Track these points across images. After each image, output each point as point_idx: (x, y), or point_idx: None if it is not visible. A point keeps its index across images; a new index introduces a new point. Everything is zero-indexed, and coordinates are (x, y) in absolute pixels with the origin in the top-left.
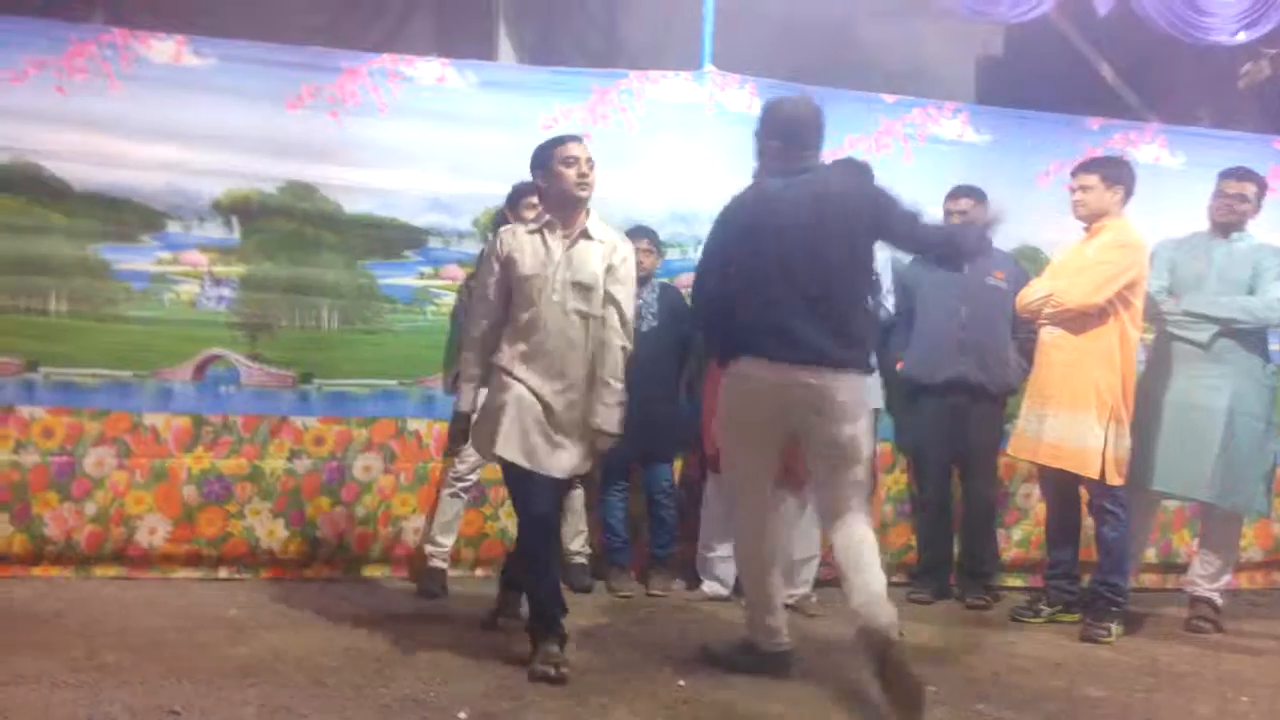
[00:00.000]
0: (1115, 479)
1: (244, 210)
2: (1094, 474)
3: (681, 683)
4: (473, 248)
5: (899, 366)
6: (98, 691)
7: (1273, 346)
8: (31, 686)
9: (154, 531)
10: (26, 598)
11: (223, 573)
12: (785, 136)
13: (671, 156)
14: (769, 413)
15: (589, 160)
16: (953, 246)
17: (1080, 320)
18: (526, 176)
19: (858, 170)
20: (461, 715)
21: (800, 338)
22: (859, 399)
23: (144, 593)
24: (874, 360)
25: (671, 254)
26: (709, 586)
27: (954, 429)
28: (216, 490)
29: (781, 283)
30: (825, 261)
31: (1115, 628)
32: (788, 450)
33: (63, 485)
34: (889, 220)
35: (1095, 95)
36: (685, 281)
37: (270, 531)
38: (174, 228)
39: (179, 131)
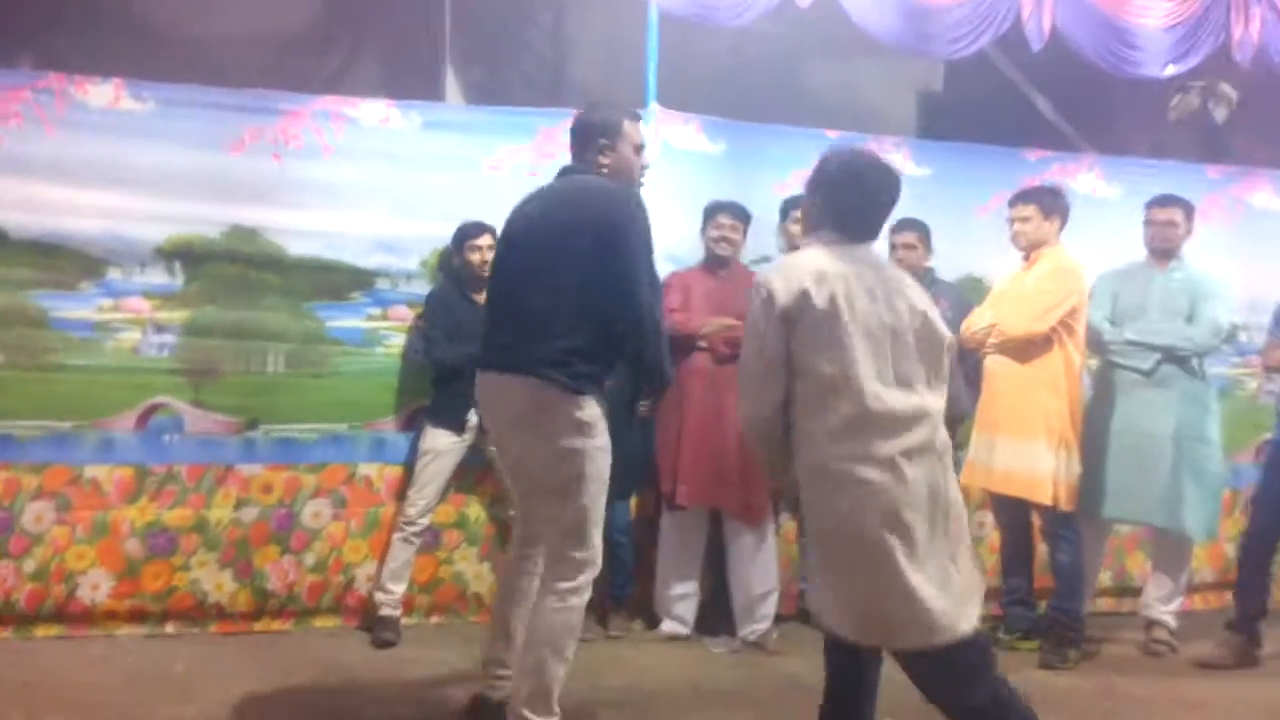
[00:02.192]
0: (1066, 504)
1: (186, 255)
2: (1046, 499)
3: None
4: (421, 288)
5: None
6: None
7: (1214, 370)
8: None
9: (96, 587)
10: None
11: (169, 628)
12: (570, 138)
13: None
14: (491, 427)
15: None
16: (651, 350)
17: (1025, 348)
18: (473, 216)
19: (617, 196)
20: None
21: (502, 343)
22: (549, 416)
23: (87, 652)
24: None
25: None
26: (668, 626)
27: None
28: (161, 543)
29: (505, 286)
30: (544, 269)
31: (1073, 654)
32: (745, 483)
33: (0, 542)
34: (600, 259)
35: (1032, 128)
36: None
37: (218, 584)
38: (114, 274)
39: (118, 177)
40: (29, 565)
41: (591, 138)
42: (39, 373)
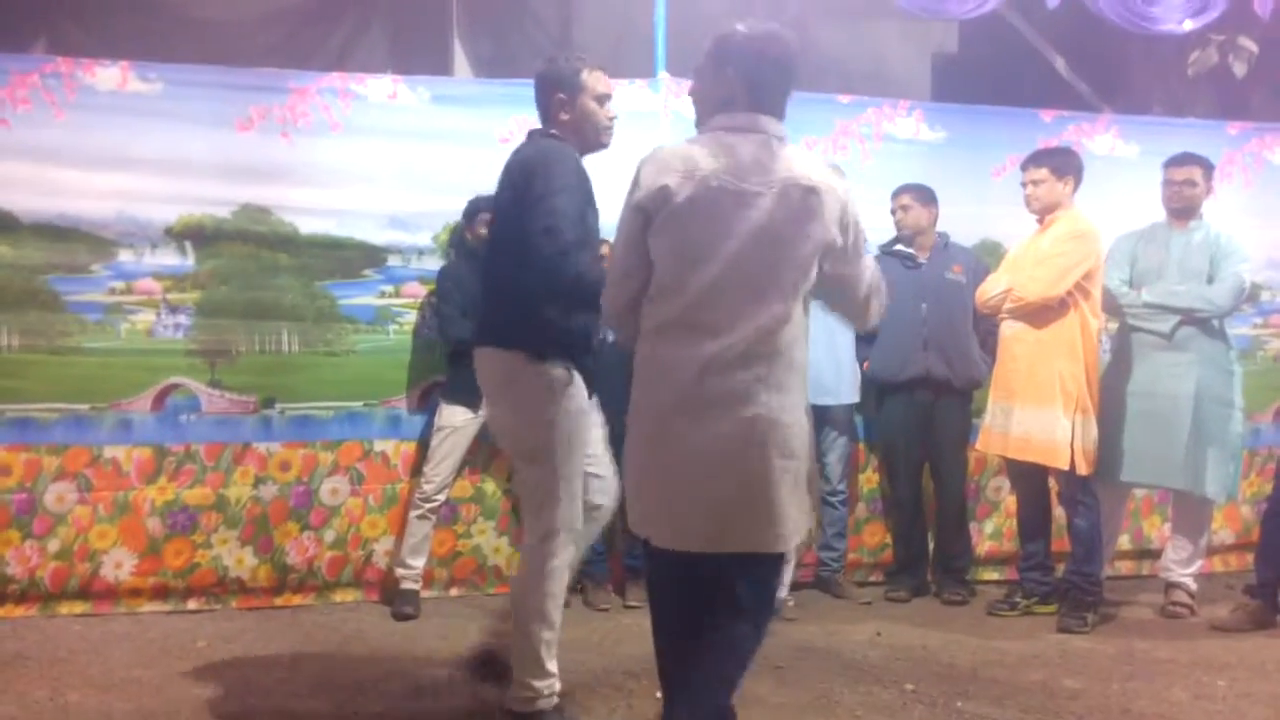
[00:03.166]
0: (1084, 469)
1: (198, 235)
2: (1063, 465)
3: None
4: (433, 264)
5: (864, 366)
6: None
7: (1235, 331)
8: None
9: (119, 565)
10: None
11: (191, 604)
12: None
13: (629, 163)
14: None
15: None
16: (561, 306)
17: (1041, 313)
18: (483, 190)
19: (540, 149)
20: None
21: (482, 316)
22: (514, 383)
23: (111, 628)
24: (553, 346)
25: None
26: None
27: (922, 425)
28: (182, 521)
29: (484, 260)
30: (502, 238)
31: (1091, 617)
32: None
33: (24, 523)
34: (524, 204)
35: (1048, 88)
36: None
37: (238, 560)
38: (126, 256)
39: (128, 158)
40: (52, 545)
41: (549, 93)
42: (55, 355)
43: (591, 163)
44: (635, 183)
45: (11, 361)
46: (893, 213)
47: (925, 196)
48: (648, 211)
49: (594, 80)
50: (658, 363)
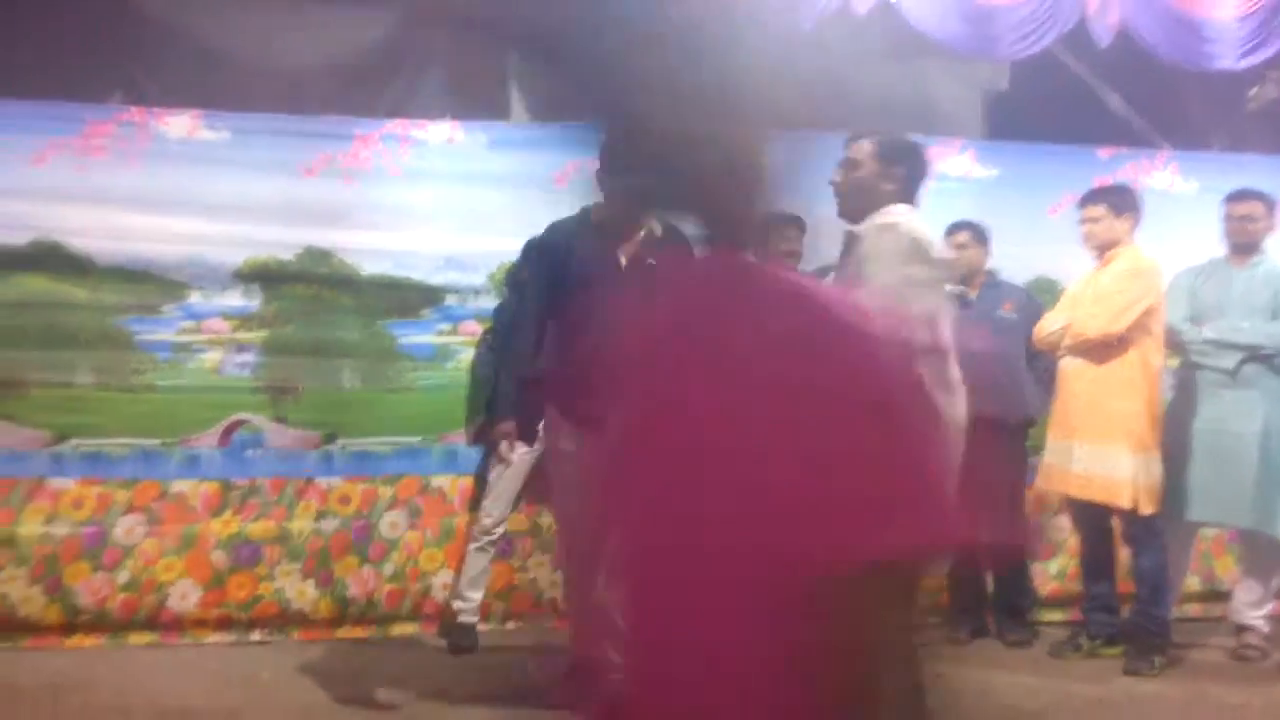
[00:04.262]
0: (1148, 507)
1: (263, 277)
2: (1126, 504)
3: None
4: (488, 303)
5: None
6: None
7: None
8: None
9: (185, 597)
10: (60, 668)
11: (255, 636)
12: None
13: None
14: None
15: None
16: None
17: (1101, 350)
18: (538, 231)
19: None
20: None
21: None
22: None
23: (177, 659)
24: None
25: None
26: None
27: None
28: (245, 554)
29: None
30: None
31: (1159, 660)
32: None
33: (94, 554)
34: None
35: (1104, 126)
36: None
37: (300, 592)
38: (195, 297)
39: (197, 203)
40: (121, 576)
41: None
42: (127, 393)
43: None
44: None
45: (85, 398)
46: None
47: (981, 235)
48: None
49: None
50: None
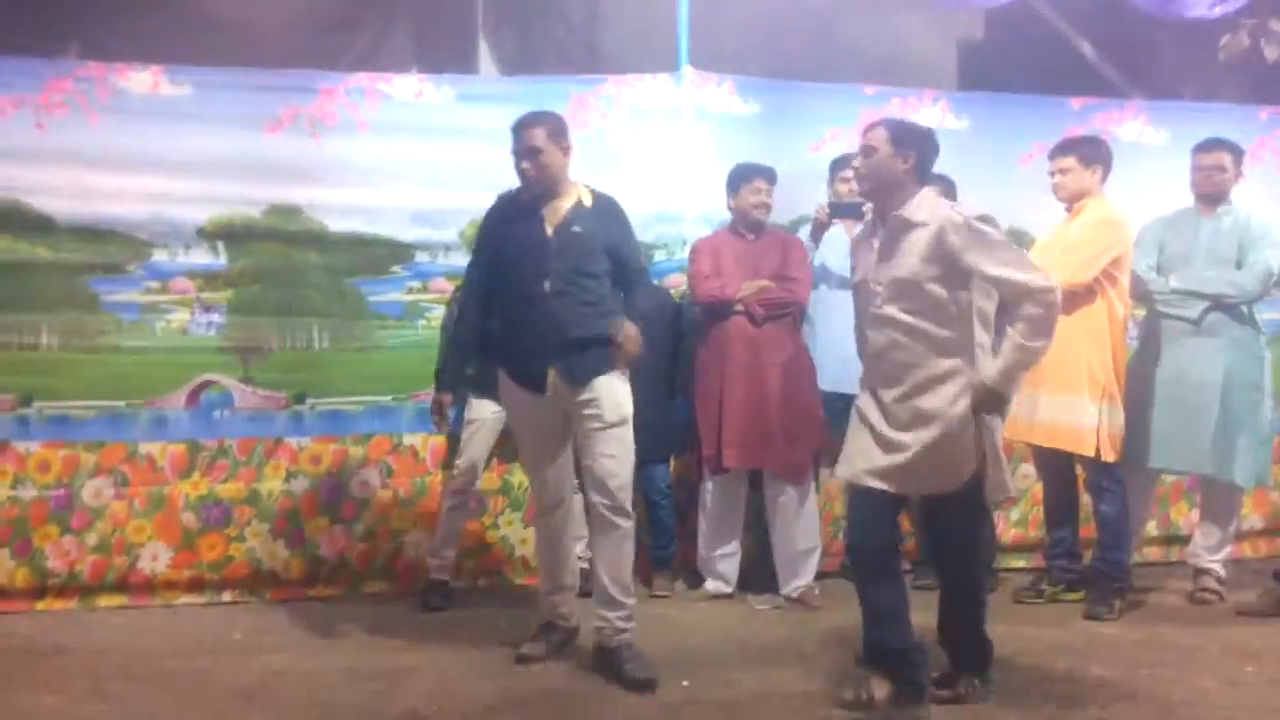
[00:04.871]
0: (1110, 455)
1: (229, 235)
2: (1089, 451)
3: (685, 683)
4: (460, 260)
5: None
6: None
7: (1265, 315)
8: None
9: (155, 559)
10: (30, 633)
11: (226, 596)
12: None
13: (653, 159)
14: None
15: None
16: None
17: (1068, 300)
18: (510, 185)
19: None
20: None
21: None
22: None
23: (148, 621)
24: None
25: (658, 255)
26: (712, 585)
27: None
28: (216, 515)
29: None
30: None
31: (1119, 604)
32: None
33: (62, 518)
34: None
35: (1076, 75)
36: (673, 282)
37: (271, 553)
38: (160, 256)
39: (160, 160)
40: (90, 539)
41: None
42: (92, 354)
43: (616, 157)
44: None
45: (50, 360)
46: None
47: (953, 191)
48: None
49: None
50: None
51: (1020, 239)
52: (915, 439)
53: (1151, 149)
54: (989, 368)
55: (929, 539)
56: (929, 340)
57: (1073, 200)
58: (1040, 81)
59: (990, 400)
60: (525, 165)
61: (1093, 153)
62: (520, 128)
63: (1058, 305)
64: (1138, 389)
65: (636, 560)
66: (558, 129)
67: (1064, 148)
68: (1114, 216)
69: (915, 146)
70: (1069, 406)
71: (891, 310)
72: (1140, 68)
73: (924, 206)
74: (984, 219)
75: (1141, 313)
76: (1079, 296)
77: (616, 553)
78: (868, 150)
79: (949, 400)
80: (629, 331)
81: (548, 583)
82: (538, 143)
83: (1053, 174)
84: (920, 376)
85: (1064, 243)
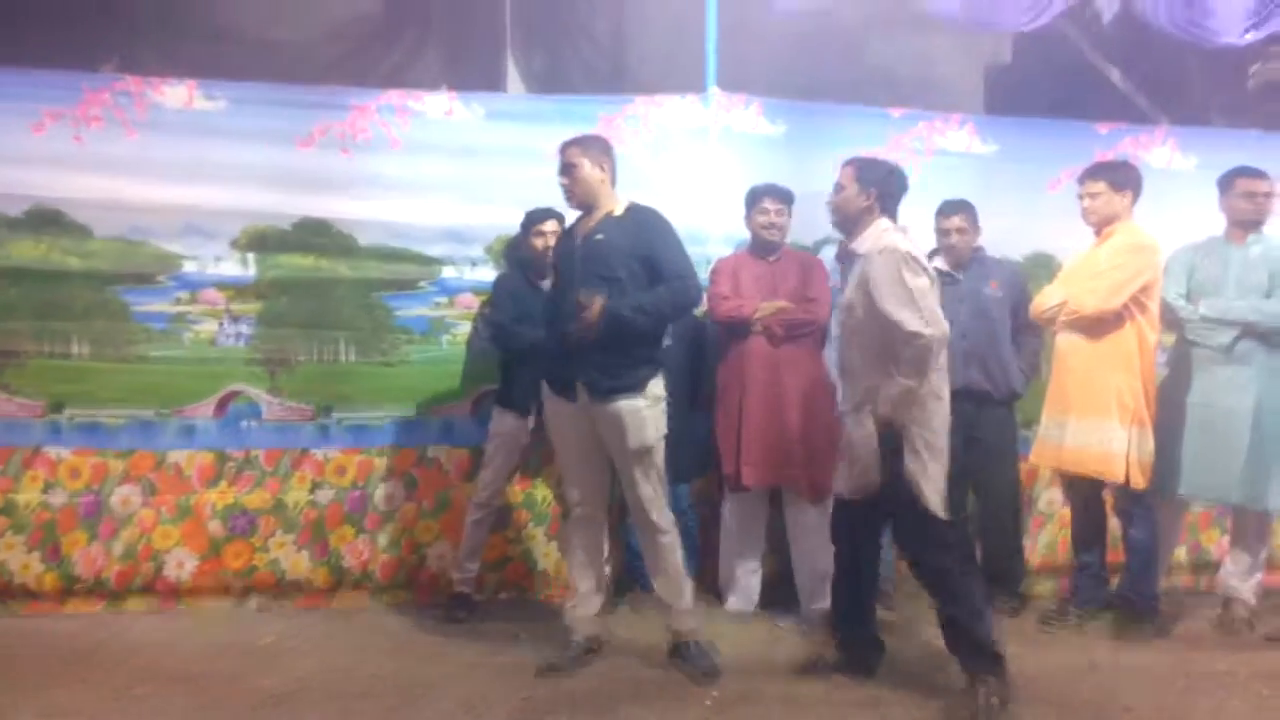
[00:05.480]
0: (1140, 482)
1: (260, 248)
2: (1119, 477)
3: (708, 702)
4: (486, 276)
5: None
6: None
7: None
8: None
9: (181, 565)
10: (60, 634)
11: (252, 603)
12: None
13: (679, 179)
14: None
15: None
16: None
17: (1097, 326)
18: (537, 204)
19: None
20: None
21: None
22: None
23: (175, 625)
24: None
25: None
26: (733, 603)
27: (965, 438)
28: (241, 524)
29: None
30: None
31: (1146, 630)
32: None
33: (90, 524)
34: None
35: (1104, 100)
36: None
37: (295, 563)
38: (191, 267)
39: (194, 173)
40: (118, 546)
41: None
42: (122, 363)
43: (641, 177)
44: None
45: (81, 368)
46: (945, 233)
47: (974, 218)
48: None
49: None
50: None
51: (1046, 264)
52: (849, 449)
53: (1180, 175)
54: (882, 398)
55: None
56: (863, 361)
57: (1102, 225)
58: (1068, 106)
59: (886, 427)
60: (563, 180)
61: (1123, 177)
62: (561, 147)
63: (927, 350)
64: (1167, 416)
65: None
66: (596, 149)
67: (1094, 171)
68: (1144, 242)
69: (878, 184)
70: (1098, 432)
71: (844, 333)
72: (1169, 93)
73: (869, 239)
74: (905, 258)
75: (1169, 340)
76: (1107, 323)
77: (663, 563)
78: (838, 186)
79: (865, 419)
80: (594, 304)
81: (573, 593)
82: (572, 159)
83: (1082, 198)
84: (859, 393)
85: (1092, 268)
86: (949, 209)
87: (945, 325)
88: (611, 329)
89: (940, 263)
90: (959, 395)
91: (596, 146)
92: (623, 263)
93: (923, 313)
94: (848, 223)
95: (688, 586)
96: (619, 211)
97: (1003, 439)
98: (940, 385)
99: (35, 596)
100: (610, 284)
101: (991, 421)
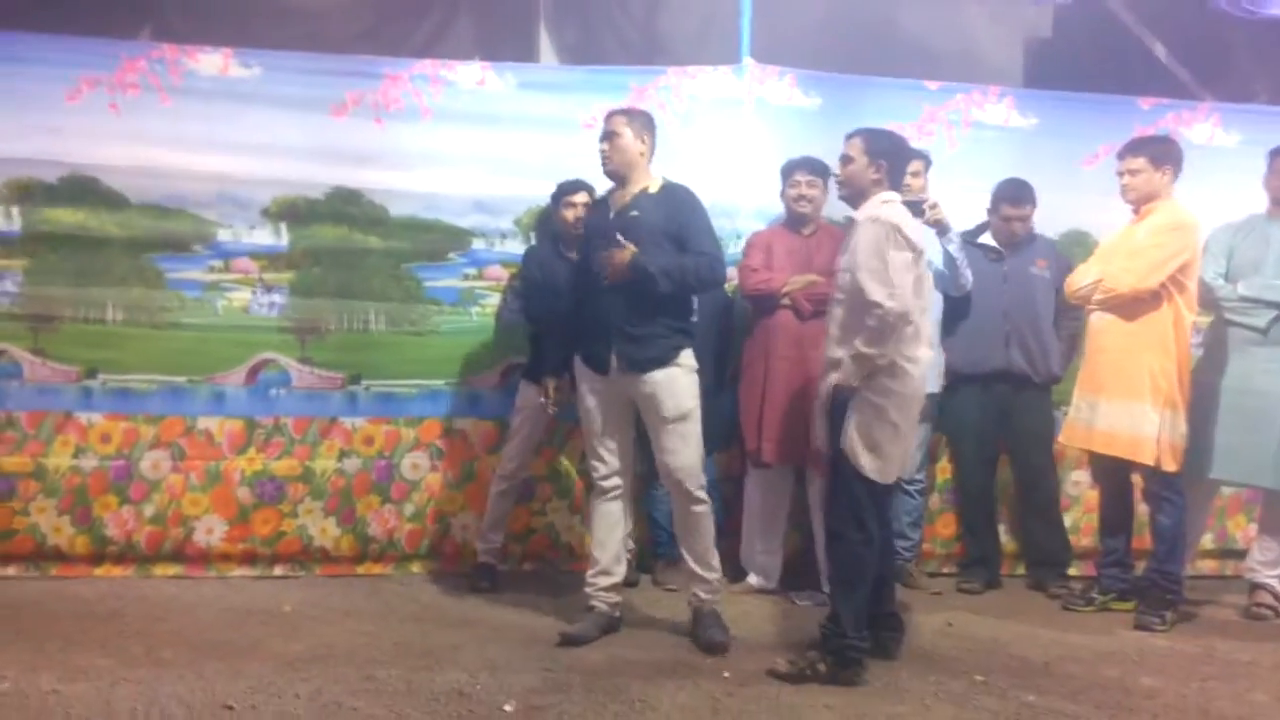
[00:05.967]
0: (1170, 465)
1: (292, 217)
2: (1149, 461)
3: (727, 674)
4: (516, 248)
5: None
6: (156, 687)
7: None
8: (93, 682)
9: (210, 531)
10: (89, 597)
11: (278, 570)
12: None
13: (712, 151)
14: None
15: None
16: None
17: (1132, 305)
18: (568, 175)
19: None
20: (508, 708)
21: None
22: None
23: (202, 591)
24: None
25: None
26: (754, 579)
27: (998, 419)
28: (269, 491)
29: None
30: None
31: (1170, 616)
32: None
33: (121, 488)
34: None
35: (1145, 75)
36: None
37: (323, 530)
38: (224, 236)
39: (227, 141)
40: (148, 510)
41: None
42: (156, 330)
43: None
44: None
45: (115, 334)
46: (1007, 219)
47: (1034, 200)
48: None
49: None
50: None
51: (1080, 242)
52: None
53: (1222, 152)
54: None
55: None
56: (840, 329)
57: (1141, 202)
58: (1109, 80)
59: (838, 392)
60: (603, 146)
61: (1163, 153)
62: (607, 114)
63: (885, 321)
64: (1200, 398)
65: (680, 552)
66: (640, 121)
67: (1134, 147)
68: (1184, 220)
69: (887, 156)
70: (1129, 414)
71: (834, 299)
72: (1214, 68)
73: (867, 208)
74: (891, 230)
75: (1205, 320)
76: (1144, 302)
77: (694, 532)
78: (846, 159)
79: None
80: (625, 249)
81: (595, 565)
82: (616, 127)
83: (1121, 174)
84: (831, 359)
85: (1130, 246)
86: (1016, 196)
87: (909, 303)
88: (636, 281)
89: (988, 239)
90: (996, 377)
91: (641, 120)
92: (655, 240)
93: (892, 286)
94: (857, 195)
95: (715, 557)
96: (654, 189)
97: (1040, 424)
98: (907, 359)
99: (66, 559)
100: (639, 276)
101: (1028, 407)
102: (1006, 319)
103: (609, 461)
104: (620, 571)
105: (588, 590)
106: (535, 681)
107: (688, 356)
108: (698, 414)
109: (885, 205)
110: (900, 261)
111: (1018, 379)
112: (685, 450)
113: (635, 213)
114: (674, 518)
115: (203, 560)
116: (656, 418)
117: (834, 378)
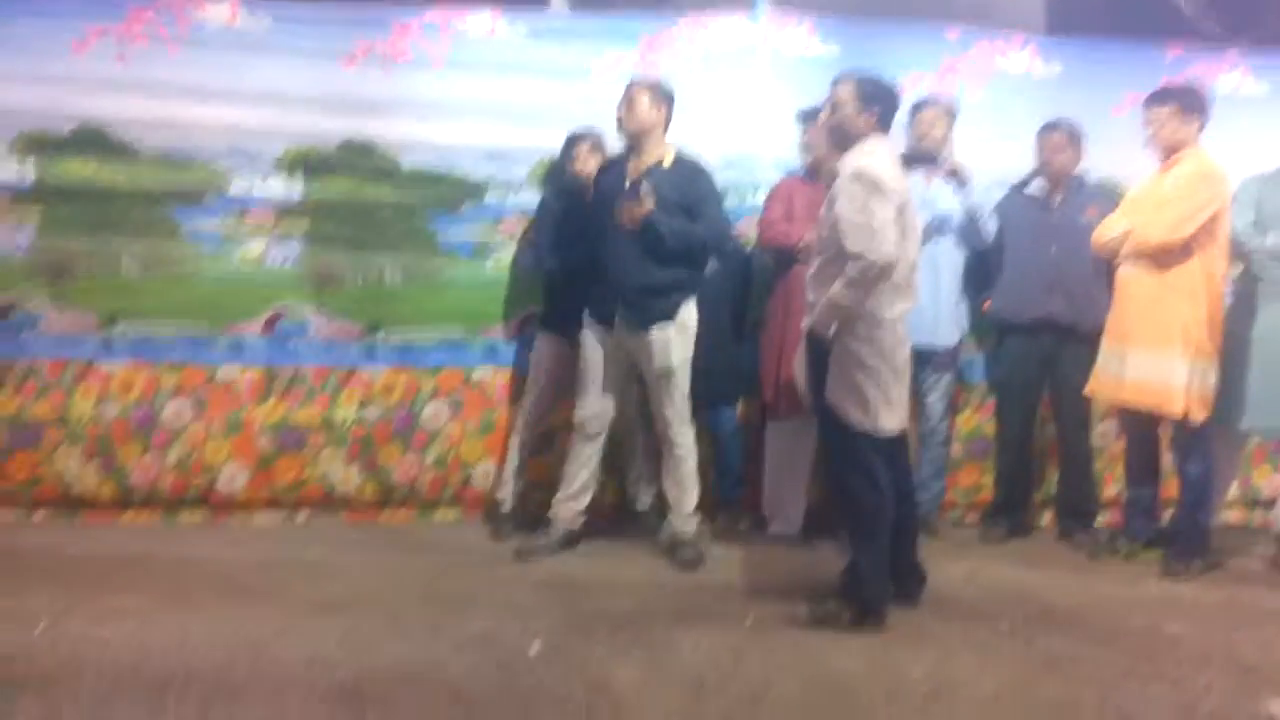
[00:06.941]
0: (1199, 416)
1: (304, 167)
2: (1178, 411)
3: (748, 622)
4: (530, 198)
5: (986, 306)
6: (188, 628)
7: None
8: (127, 621)
9: (233, 479)
10: (118, 541)
11: (301, 517)
12: None
13: (727, 101)
14: None
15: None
16: None
17: (1162, 257)
18: (578, 124)
19: None
20: (533, 650)
21: None
22: None
23: (227, 537)
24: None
25: (728, 200)
26: (776, 527)
27: (1041, 369)
28: (291, 439)
29: None
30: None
31: (1197, 565)
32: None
33: (144, 436)
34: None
35: (1173, 22)
36: (744, 228)
37: (345, 478)
38: (238, 186)
39: (236, 92)
40: (171, 457)
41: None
42: (173, 282)
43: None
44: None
45: (133, 285)
46: (1041, 150)
47: (1076, 136)
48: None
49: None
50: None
51: (1110, 191)
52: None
53: (1251, 101)
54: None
55: None
56: (816, 278)
57: (1169, 152)
58: (1135, 27)
59: (814, 339)
60: (620, 110)
61: (1192, 102)
62: (629, 83)
63: (864, 271)
64: (1230, 348)
65: (704, 499)
66: (660, 92)
67: (1161, 96)
68: (1212, 170)
69: (881, 102)
70: (1159, 364)
71: (817, 247)
72: (1243, 15)
73: (851, 158)
74: (875, 180)
75: (1236, 271)
76: (1174, 253)
77: (676, 474)
78: (835, 105)
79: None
80: (645, 201)
81: (563, 490)
82: (635, 93)
83: (1148, 123)
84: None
85: (1157, 196)
86: (1049, 127)
87: (892, 252)
88: (647, 233)
89: (1035, 188)
90: (1037, 326)
91: (661, 90)
92: (668, 212)
93: (874, 234)
94: (848, 143)
95: (691, 496)
96: (667, 163)
97: (1083, 376)
98: (886, 307)
99: (93, 506)
100: (650, 232)
101: (1071, 358)
102: (1054, 268)
103: (593, 404)
104: (585, 498)
105: (552, 512)
106: (559, 625)
107: (688, 311)
108: (686, 372)
109: (868, 156)
110: (883, 212)
111: (1062, 329)
112: (670, 402)
113: (649, 184)
114: (663, 461)
115: (227, 507)
116: (648, 370)
117: (806, 322)
